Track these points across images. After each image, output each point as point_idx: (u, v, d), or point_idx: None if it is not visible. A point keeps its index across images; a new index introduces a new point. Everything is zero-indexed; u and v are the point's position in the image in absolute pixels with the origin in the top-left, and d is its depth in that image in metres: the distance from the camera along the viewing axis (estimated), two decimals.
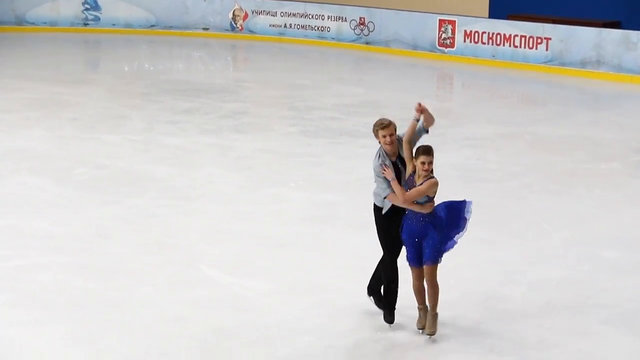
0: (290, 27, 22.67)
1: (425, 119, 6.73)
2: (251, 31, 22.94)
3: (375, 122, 6.75)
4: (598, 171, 11.86)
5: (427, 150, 6.48)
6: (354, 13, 21.73)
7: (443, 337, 6.65)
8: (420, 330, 6.69)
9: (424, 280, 6.60)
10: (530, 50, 19.37)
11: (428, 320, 6.61)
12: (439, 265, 6.55)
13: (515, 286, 7.84)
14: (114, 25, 23.20)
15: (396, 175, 6.60)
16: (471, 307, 7.33)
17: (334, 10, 21.96)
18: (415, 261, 6.58)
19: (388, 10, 21.29)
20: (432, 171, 6.51)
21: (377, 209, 6.76)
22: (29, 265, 8.24)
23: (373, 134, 6.73)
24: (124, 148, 12.65)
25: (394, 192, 6.51)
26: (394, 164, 6.67)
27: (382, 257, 6.90)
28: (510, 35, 19.66)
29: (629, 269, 8.33)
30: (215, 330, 6.89)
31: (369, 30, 21.64)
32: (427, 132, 6.77)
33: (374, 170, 6.67)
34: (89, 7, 23.06)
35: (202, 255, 8.50)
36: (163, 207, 9.98)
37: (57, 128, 13.70)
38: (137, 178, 11.11)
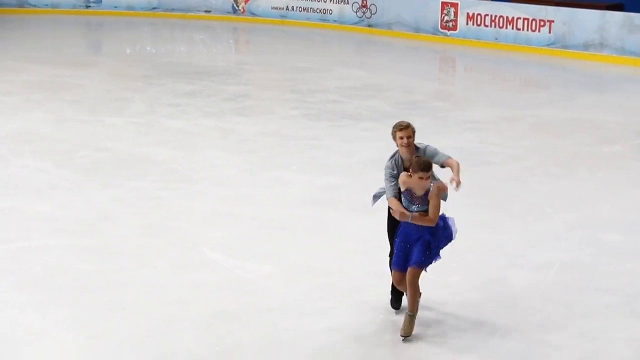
0: (292, 9, 22.57)
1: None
2: (253, 14, 22.85)
3: (394, 123, 6.61)
4: (600, 154, 11.81)
5: (427, 167, 6.24)
6: None
7: (445, 319, 6.64)
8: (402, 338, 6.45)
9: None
10: (533, 32, 19.28)
11: (404, 321, 6.44)
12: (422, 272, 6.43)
13: (517, 269, 7.82)
14: (115, 7, 23.13)
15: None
16: (473, 290, 7.31)
17: None
18: (401, 265, 6.39)
19: None
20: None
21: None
22: (31, 247, 8.23)
23: (391, 136, 6.58)
24: (126, 131, 12.61)
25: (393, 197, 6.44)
26: (407, 170, 6.44)
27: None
28: (512, 18, 19.56)
29: (631, 252, 8.30)
30: (217, 312, 6.88)
31: (371, 13, 21.53)
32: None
33: (384, 170, 6.52)
34: None
35: (204, 238, 8.48)
36: (165, 189, 9.96)
37: (59, 110, 13.66)
38: (139, 161, 11.08)
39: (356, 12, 21.71)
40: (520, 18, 19.47)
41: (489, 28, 19.96)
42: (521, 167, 11.02)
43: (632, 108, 14.49)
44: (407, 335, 6.40)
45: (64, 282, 7.46)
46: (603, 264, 8.00)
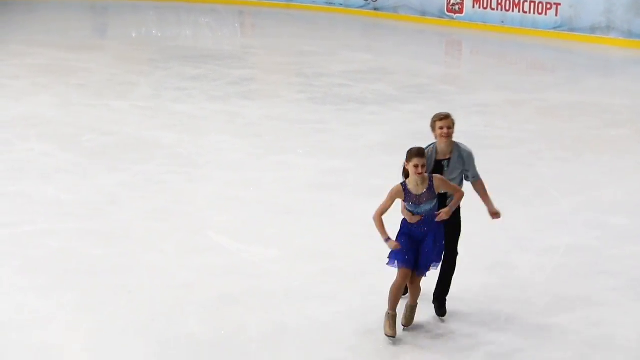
0: None
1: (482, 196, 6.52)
2: None
3: (434, 114, 6.36)
4: (606, 137, 11.75)
5: (421, 153, 5.98)
6: None
7: (450, 303, 6.60)
8: (390, 338, 6.17)
9: (408, 283, 6.21)
10: (540, 16, 19.16)
11: (407, 311, 6.31)
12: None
13: (522, 253, 7.79)
14: None
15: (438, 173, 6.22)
16: (479, 274, 7.28)
17: None
18: (411, 263, 6.09)
19: None
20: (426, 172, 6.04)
21: None
22: (36, 231, 8.22)
23: (430, 128, 6.32)
24: (132, 115, 12.59)
25: None
26: (438, 163, 6.25)
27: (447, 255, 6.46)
28: (519, 1, 19.44)
29: (637, 235, 8.26)
30: (222, 296, 6.86)
31: None
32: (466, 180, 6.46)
33: None
34: None
35: (209, 222, 8.46)
36: (170, 173, 9.94)
37: (65, 94, 13.65)
38: (144, 145, 11.06)
39: None
40: (527, 1, 19.35)
41: (495, 11, 19.85)
42: (527, 150, 10.96)
43: (639, 91, 14.40)
44: (407, 325, 6.34)
45: (69, 266, 7.45)
46: (609, 247, 7.96)
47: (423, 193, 6.04)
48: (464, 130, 11.32)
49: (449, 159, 6.31)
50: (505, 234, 8.19)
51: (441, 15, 20.57)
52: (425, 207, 6.06)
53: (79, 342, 6.21)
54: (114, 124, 11.94)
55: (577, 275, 7.35)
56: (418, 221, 6.10)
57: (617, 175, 10.11)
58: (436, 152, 6.29)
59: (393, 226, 6.20)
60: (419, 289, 6.28)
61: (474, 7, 20.14)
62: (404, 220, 6.19)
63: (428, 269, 6.20)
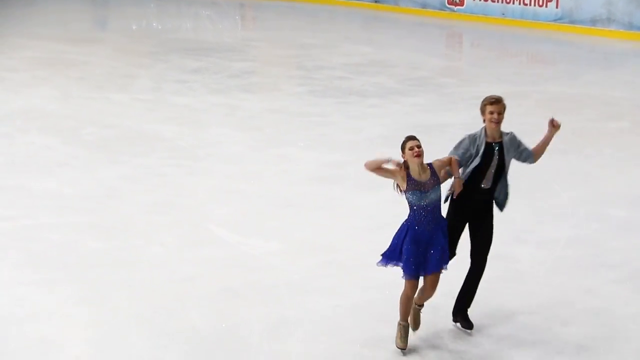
0: None
1: (539, 148, 6.32)
2: None
3: (486, 96, 5.99)
4: (607, 130, 11.73)
5: (413, 136, 5.75)
6: None
7: (451, 297, 6.60)
8: (402, 350, 5.96)
9: (423, 288, 5.96)
10: (540, 8, 19.12)
11: (414, 315, 6.07)
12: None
13: (523, 245, 7.79)
14: None
15: (486, 161, 5.91)
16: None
17: None
18: (414, 273, 5.82)
19: None
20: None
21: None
22: (38, 225, 8.22)
23: (480, 111, 5.97)
24: (132, 107, 12.58)
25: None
26: (489, 146, 5.91)
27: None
28: None
29: (637, 227, 8.26)
30: (223, 289, 6.87)
31: None
32: (530, 163, 6.27)
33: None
34: None
35: (210, 215, 8.46)
36: (171, 166, 9.93)
37: (65, 87, 13.63)
38: (145, 138, 11.05)
39: None
40: None
41: (495, 3, 19.81)
42: (527, 143, 10.91)
43: (639, 84, 14.38)
44: (416, 329, 6.17)
45: (70, 259, 7.45)
46: (609, 239, 7.96)
47: (428, 180, 5.75)
48: (465, 123, 11.31)
49: (500, 143, 5.98)
50: (505, 226, 8.14)
51: (442, 7, 20.53)
52: (432, 196, 5.76)
53: (79, 335, 6.21)
54: (115, 117, 11.93)
55: (577, 267, 7.36)
56: (424, 219, 5.76)
57: (617, 167, 10.10)
58: (485, 134, 5.95)
59: (392, 224, 6.15)
60: (433, 291, 5.94)
61: None
62: (407, 225, 5.83)
63: (444, 263, 5.88)
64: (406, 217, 5.86)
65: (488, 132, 5.97)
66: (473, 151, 5.93)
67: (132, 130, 11.40)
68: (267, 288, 6.91)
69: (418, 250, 5.78)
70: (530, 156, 6.27)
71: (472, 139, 5.96)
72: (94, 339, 6.16)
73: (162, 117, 12.00)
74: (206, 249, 7.65)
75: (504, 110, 5.97)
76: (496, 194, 6.11)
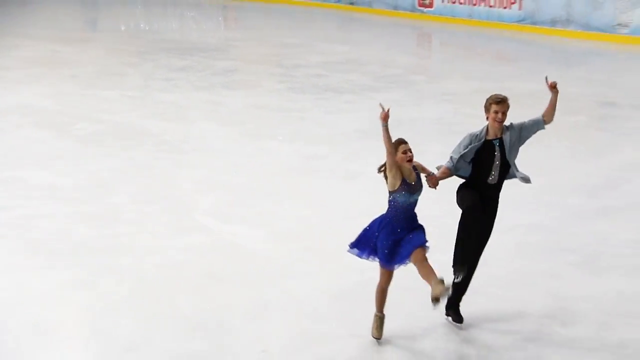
0: None
1: (548, 111, 6.10)
2: None
3: (491, 95, 5.86)
4: (566, 124, 11.82)
5: (403, 140, 5.61)
6: None
7: (417, 284, 6.63)
8: (377, 340, 5.84)
9: (422, 275, 5.58)
10: (505, 9, 19.22)
11: (436, 285, 5.46)
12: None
13: None
14: None
15: (488, 158, 5.82)
16: (440, 252, 7.28)
17: None
18: (388, 261, 5.63)
19: None
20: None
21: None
22: (33, 214, 8.18)
23: (484, 108, 5.84)
24: (122, 103, 12.53)
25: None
26: (488, 143, 5.81)
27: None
28: None
29: (592, 215, 8.35)
30: (208, 275, 6.87)
31: None
32: (544, 127, 6.07)
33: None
34: None
35: (196, 205, 8.46)
36: (159, 159, 9.91)
37: (58, 85, 13.54)
38: (134, 132, 11.02)
39: None
40: None
41: (463, 5, 19.88)
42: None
43: (596, 81, 14.51)
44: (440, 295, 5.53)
45: (63, 247, 7.43)
46: (568, 226, 8.05)
47: (416, 182, 5.66)
48: (434, 117, 11.40)
49: (500, 139, 5.90)
50: None
51: (413, 9, 20.57)
52: (416, 197, 5.66)
53: (72, 318, 6.20)
54: (105, 113, 11.88)
55: (537, 252, 7.43)
56: (402, 216, 5.61)
57: (575, 159, 10.21)
58: (487, 132, 5.88)
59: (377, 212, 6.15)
60: (428, 265, 5.54)
61: (443, 1, 20.15)
62: (383, 220, 5.66)
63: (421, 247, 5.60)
64: (384, 213, 5.72)
65: (490, 129, 5.91)
66: (468, 144, 5.88)
67: (122, 125, 11.35)
68: (250, 273, 6.92)
69: (394, 242, 5.64)
70: (539, 122, 6.14)
71: (473, 137, 5.90)
72: (86, 321, 6.15)
73: (150, 113, 11.96)
74: (192, 237, 7.65)
75: (508, 110, 5.91)
76: (519, 180, 6.02)
